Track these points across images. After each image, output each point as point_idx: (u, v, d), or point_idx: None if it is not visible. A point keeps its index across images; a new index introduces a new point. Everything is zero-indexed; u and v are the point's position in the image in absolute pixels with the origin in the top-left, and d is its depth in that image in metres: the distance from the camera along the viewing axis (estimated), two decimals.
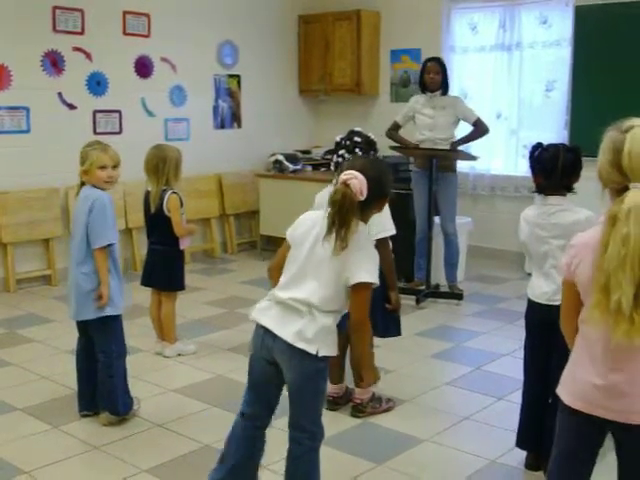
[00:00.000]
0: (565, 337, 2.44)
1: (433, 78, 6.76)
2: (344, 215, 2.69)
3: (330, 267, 2.78)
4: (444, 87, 6.82)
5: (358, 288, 2.77)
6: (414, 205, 6.89)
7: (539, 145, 3.52)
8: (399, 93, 8.88)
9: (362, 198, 2.70)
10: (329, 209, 2.73)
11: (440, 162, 6.68)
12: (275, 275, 2.99)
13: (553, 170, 3.39)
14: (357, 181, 2.69)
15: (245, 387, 3.05)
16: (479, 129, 6.87)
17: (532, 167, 3.50)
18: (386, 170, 2.89)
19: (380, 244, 3.84)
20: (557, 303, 3.13)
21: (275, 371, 2.90)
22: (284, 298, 2.85)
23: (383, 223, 3.94)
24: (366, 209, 2.79)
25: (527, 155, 3.57)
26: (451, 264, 6.93)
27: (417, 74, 8.21)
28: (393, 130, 7.00)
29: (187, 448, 3.87)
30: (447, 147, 6.79)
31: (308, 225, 2.87)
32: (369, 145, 4.12)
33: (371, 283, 2.78)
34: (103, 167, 4.01)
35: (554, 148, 3.45)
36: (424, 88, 6.87)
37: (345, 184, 2.70)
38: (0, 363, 5.09)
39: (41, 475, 3.58)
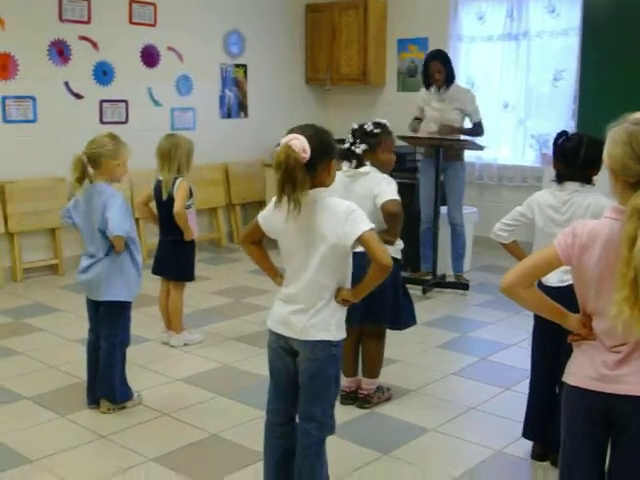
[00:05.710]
0: (518, 300, 2.44)
1: (437, 78, 6.73)
2: (291, 174, 2.68)
3: (318, 245, 2.78)
4: (449, 80, 6.78)
5: (364, 238, 2.74)
6: (420, 194, 6.89)
7: (564, 133, 3.51)
8: (406, 83, 8.85)
9: (306, 156, 2.70)
10: (275, 174, 2.73)
11: (447, 151, 6.67)
12: (248, 247, 3.10)
13: (574, 160, 3.39)
14: (298, 141, 2.70)
15: (269, 384, 3.05)
16: (476, 130, 6.89)
17: (554, 154, 3.50)
18: (326, 131, 2.87)
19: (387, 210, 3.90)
20: (567, 284, 3.11)
21: (293, 361, 2.90)
22: (287, 295, 2.90)
23: (384, 192, 3.95)
24: (314, 172, 2.76)
25: (536, 144, 3.57)
26: (458, 254, 6.92)
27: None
28: (415, 123, 7.01)
29: (193, 437, 3.88)
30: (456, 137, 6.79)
31: (282, 218, 2.84)
32: (361, 134, 4.08)
33: (371, 227, 2.77)
34: (124, 162, 4.07)
35: (578, 138, 3.43)
36: (428, 83, 6.84)
37: (287, 146, 2.70)
38: (7, 352, 5.11)
39: (48, 464, 3.59)
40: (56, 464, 3.59)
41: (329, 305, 2.85)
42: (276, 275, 3.09)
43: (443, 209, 6.91)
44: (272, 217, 2.90)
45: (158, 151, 5.04)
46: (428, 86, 6.84)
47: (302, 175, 2.69)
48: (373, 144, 4.09)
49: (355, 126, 4.13)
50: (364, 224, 2.76)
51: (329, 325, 2.85)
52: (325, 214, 2.78)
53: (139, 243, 4.21)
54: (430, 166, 6.71)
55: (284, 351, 2.92)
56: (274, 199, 2.86)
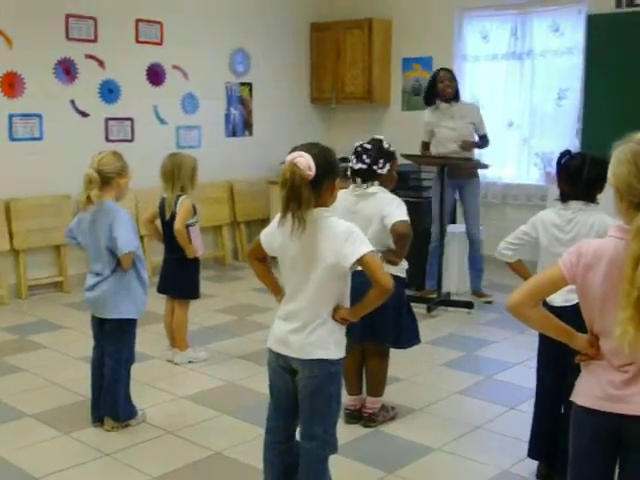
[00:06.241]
0: (524, 320, 2.43)
1: (448, 85, 6.80)
2: (296, 191, 2.68)
3: (317, 264, 2.79)
4: (457, 95, 6.86)
5: (365, 261, 2.75)
6: (432, 212, 6.91)
7: (567, 152, 3.51)
8: (410, 102, 8.88)
9: (311, 174, 2.70)
10: (281, 191, 2.73)
11: (461, 170, 6.77)
12: (253, 263, 3.13)
13: (578, 180, 3.39)
14: (303, 159, 2.71)
15: (268, 402, 3.05)
16: (485, 143, 7.02)
17: (557, 174, 3.50)
18: (330, 150, 2.88)
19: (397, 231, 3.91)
20: (572, 303, 3.10)
21: (291, 379, 2.90)
22: (286, 313, 2.90)
23: (394, 213, 3.96)
24: (318, 190, 2.76)
25: (540, 163, 3.57)
26: (478, 270, 6.98)
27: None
28: (425, 150, 7.06)
29: (197, 455, 3.87)
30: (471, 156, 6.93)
31: (284, 236, 2.84)
32: (379, 152, 4.05)
33: (371, 250, 2.78)
34: (129, 180, 4.12)
35: (581, 157, 3.44)
36: (434, 98, 6.90)
37: (292, 163, 2.70)
38: (11, 369, 5.10)
39: None
40: None
41: (326, 323, 2.84)
42: (278, 292, 3.09)
43: (455, 227, 6.94)
44: (274, 235, 2.91)
45: (161, 171, 5.06)
46: (433, 103, 6.89)
47: (307, 193, 2.69)
48: (392, 163, 4.12)
49: (368, 146, 4.07)
50: (364, 246, 2.76)
51: (327, 344, 2.84)
52: (325, 233, 2.78)
53: (145, 261, 4.22)
54: (446, 185, 6.74)
55: (283, 370, 2.92)
56: (277, 217, 2.87)
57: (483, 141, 7.00)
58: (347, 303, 2.91)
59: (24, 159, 6.96)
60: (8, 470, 3.69)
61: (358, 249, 2.75)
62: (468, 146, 6.85)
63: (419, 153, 7.02)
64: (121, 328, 4.09)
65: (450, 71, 6.97)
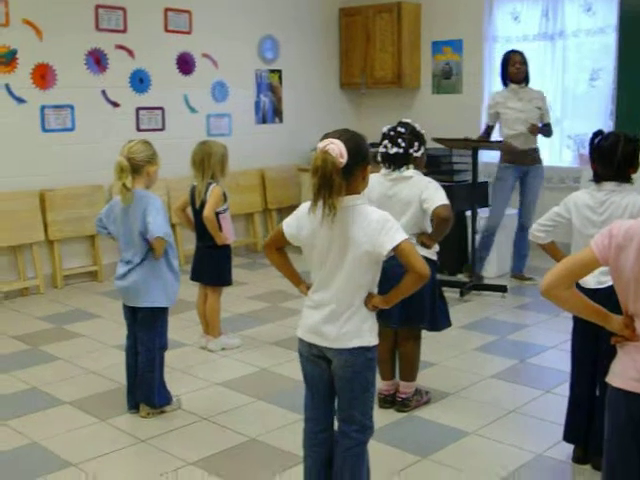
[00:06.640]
0: (558, 302, 2.40)
1: (519, 68, 6.77)
2: (328, 179, 2.65)
3: (349, 252, 2.76)
4: (527, 78, 6.82)
5: (401, 249, 2.74)
6: (493, 199, 6.87)
7: (599, 132, 3.46)
8: (441, 85, 8.82)
9: (343, 161, 2.67)
10: (312, 178, 2.70)
11: (530, 155, 6.79)
12: (272, 253, 3.06)
13: (612, 159, 3.34)
14: (335, 145, 2.68)
15: (305, 392, 3.03)
16: (549, 131, 6.97)
17: (591, 154, 3.45)
18: (361, 136, 2.85)
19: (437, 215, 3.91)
20: (605, 285, 3.07)
21: (327, 366, 2.89)
22: (316, 302, 2.87)
23: (435, 197, 3.95)
24: (350, 177, 2.73)
25: (573, 145, 3.51)
26: (522, 255, 6.99)
27: (459, 65, 8.24)
28: (486, 134, 7.03)
29: (233, 441, 3.89)
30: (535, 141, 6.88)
31: (315, 224, 2.81)
32: (413, 136, 4.03)
33: (406, 238, 2.76)
34: (159, 167, 4.14)
35: (614, 137, 3.39)
36: (506, 80, 6.87)
37: (324, 151, 2.68)
38: (48, 358, 5.17)
39: (89, 467, 3.62)
40: (97, 468, 3.63)
41: (360, 311, 2.83)
42: (300, 283, 3.05)
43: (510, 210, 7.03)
44: (300, 223, 2.88)
45: (192, 159, 5.08)
46: (505, 83, 6.88)
47: (339, 180, 2.67)
48: (425, 145, 4.10)
49: (402, 129, 4.04)
50: (399, 234, 2.75)
51: (362, 331, 2.83)
52: (358, 221, 2.76)
53: (176, 249, 4.24)
54: (514, 172, 6.77)
55: (319, 358, 2.90)
56: (301, 207, 2.87)
57: (550, 129, 6.94)
58: (376, 290, 2.90)
59: (57, 150, 7.02)
60: (46, 456, 3.75)
61: (394, 237, 2.73)
62: (535, 130, 6.76)
63: (452, 137, 6.94)
64: (153, 316, 4.12)
65: (521, 53, 6.88)
